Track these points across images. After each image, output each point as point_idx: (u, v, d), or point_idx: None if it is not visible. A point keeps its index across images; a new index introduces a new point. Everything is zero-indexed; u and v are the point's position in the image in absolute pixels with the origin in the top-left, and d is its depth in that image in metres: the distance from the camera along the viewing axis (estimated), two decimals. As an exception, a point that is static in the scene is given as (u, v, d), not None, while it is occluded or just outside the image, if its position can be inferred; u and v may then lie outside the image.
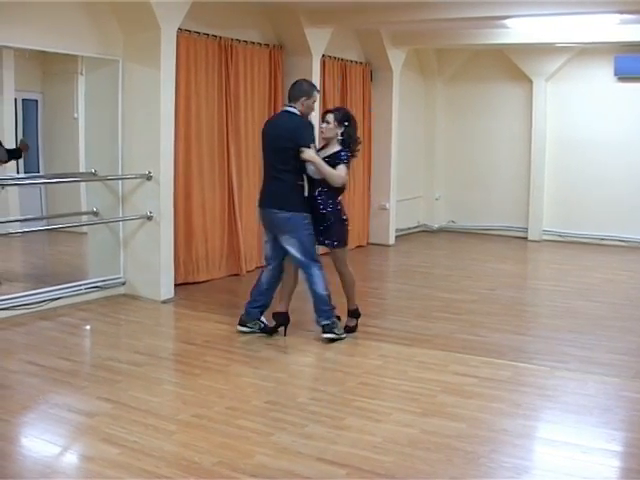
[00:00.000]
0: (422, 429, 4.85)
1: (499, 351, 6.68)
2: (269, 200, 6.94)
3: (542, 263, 12.36)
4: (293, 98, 6.90)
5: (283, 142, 6.77)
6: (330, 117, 7.01)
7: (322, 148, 7.07)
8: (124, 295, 8.49)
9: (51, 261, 11.15)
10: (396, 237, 12.97)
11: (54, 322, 7.43)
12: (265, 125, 7.31)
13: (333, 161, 6.82)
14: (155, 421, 4.96)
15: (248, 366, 6.19)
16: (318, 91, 7.22)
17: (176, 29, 8.27)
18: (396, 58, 12.54)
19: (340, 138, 6.94)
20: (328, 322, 6.84)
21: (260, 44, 10.10)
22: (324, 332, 6.84)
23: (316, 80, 10.54)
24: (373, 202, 12.74)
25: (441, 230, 14.36)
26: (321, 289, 6.88)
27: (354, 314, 7.23)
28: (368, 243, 12.69)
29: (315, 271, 6.87)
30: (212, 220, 9.41)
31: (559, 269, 11.31)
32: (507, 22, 10.21)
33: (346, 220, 7.11)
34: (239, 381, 5.81)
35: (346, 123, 6.99)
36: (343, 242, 7.07)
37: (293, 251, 6.82)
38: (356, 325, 7.20)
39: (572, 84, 13.10)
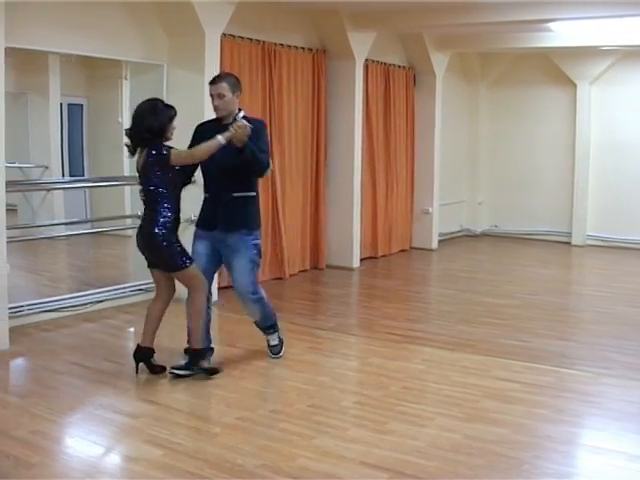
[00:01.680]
0: (465, 434, 4.83)
1: (542, 356, 6.64)
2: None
3: (586, 268, 12.25)
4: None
5: None
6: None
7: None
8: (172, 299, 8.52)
9: (95, 264, 11.25)
10: (439, 241, 12.94)
11: (99, 324, 7.51)
12: None
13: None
14: (198, 423, 5.00)
15: (291, 369, 6.20)
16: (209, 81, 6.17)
17: (220, 34, 8.33)
18: (439, 62, 12.51)
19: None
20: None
21: (303, 48, 10.13)
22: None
23: (359, 84, 10.58)
24: (416, 206, 12.72)
25: (484, 235, 14.29)
26: None
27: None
28: (411, 247, 12.67)
29: None
30: (255, 224, 9.44)
31: (603, 274, 11.22)
32: (551, 25, 10.15)
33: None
34: (282, 384, 5.83)
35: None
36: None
37: None
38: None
39: (617, 87, 12.98)
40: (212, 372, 5.91)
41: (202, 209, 6.18)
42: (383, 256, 11.75)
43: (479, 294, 9.33)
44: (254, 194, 6.10)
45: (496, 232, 14.27)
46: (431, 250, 12.64)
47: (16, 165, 11.52)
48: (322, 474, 4.28)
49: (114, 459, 4.62)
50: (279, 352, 6.47)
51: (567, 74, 13.18)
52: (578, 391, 5.80)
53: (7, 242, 6.60)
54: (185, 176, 6.00)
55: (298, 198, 10.17)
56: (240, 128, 5.62)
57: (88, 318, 7.64)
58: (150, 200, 5.83)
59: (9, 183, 6.84)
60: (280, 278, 9.80)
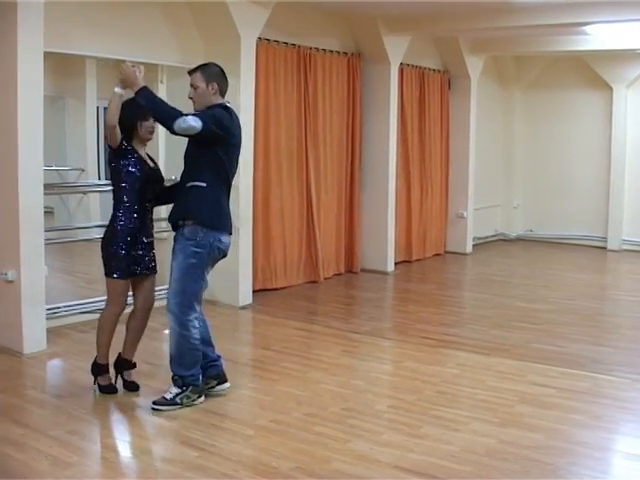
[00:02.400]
0: (500, 439, 4.82)
1: (578, 362, 6.60)
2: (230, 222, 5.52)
3: (622, 273, 12.17)
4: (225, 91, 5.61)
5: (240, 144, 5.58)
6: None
7: None
8: (203, 300, 8.55)
9: (131, 266, 11.30)
10: (473, 245, 12.90)
11: (134, 326, 7.55)
12: (235, 122, 5.48)
13: None
14: (233, 425, 5.03)
15: (326, 373, 6.21)
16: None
17: (256, 38, 8.37)
18: (474, 65, 12.48)
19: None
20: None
21: (338, 52, 10.14)
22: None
23: (394, 88, 10.57)
24: (451, 210, 12.69)
25: (519, 239, 14.22)
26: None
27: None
28: (445, 251, 12.64)
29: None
30: (290, 227, 9.48)
31: (639, 279, 11.13)
32: (587, 28, 10.09)
33: None
34: (317, 387, 5.84)
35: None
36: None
37: None
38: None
39: (654, 91, 12.90)
40: (103, 390, 5.59)
41: None
42: (417, 260, 11.74)
43: (513, 298, 9.30)
44: (203, 184, 5.28)
45: (531, 236, 14.20)
46: (465, 254, 12.60)
47: (53, 168, 11.60)
48: (356, 477, 4.29)
49: (149, 460, 4.65)
50: (162, 405, 5.26)
51: (603, 77, 13.10)
52: (614, 397, 5.76)
53: (44, 244, 6.67)
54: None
55: (333, 202, 10.19)
56: (127, 67, 5.30)
57: (124, 320, 7.66)
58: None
59: (46, 186, 6.92)
60: (315, 281, 9.81)
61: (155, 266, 5.83)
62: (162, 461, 4.56)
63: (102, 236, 5.67)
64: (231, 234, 5.45)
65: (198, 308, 5.43)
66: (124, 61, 5.49)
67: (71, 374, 6.27)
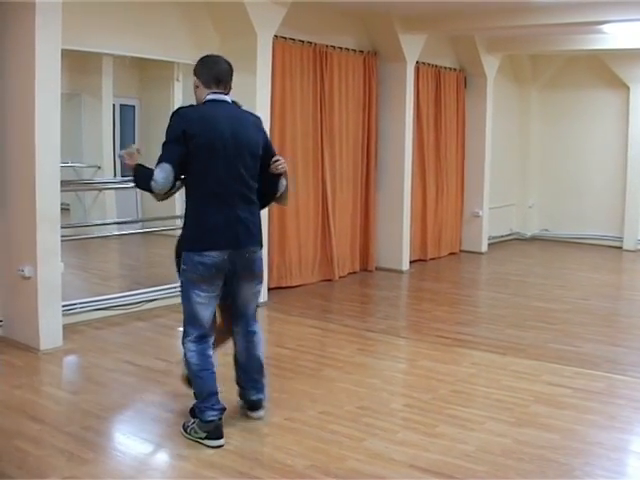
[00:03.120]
0: (515, 439, 4.81)
1: (593, 362, 6.58)
2: (247, 234, 4.78)
3: (637, 273, 12.13)
4: (228, 83, 4.93)
5: (255, 148, 4.79)
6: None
7: None
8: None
9: (147, 263, 11.35)
10: (489, 245, 12.88)
11: (150, 323, 7.60)
12: (202, 120, 4.76)
13: None
14: (248, 423, 5.02)
15: (341, 371, 6.21)
16: None
17: (272, 36, 8.38)
18: (490, 64, 12.46)
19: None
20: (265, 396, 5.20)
21: (354, 50, 10.14)
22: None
23: (410, 87, 10.56)
24: (466, 209, 12.67)
25: (534, 238, 14.20)
26: (262, 354, 5.32)
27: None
28: (461, 250, 12.64)
29: (258, 330, 5.34)
30: (306, 226, 9.49)
31: (655, 280, 11.11)
32: (604, 27, 10.06)
33: None
34: (332, 386, 5.83)
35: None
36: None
37: (253, 305, 5.17)
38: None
39: (671, 90, 12.85)
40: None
41: None
42: (432, 259, 11.73)
43: (529, 298, 9.27)
44: (188, 203, 4.83)
45: (546, 236, 14.16)
46: (481, 253, 12.59)
47: (69, 165, 11.62)
48: (372, 476, 4.28)
49: (165, 457, 4.67)
50: (183, 429, 4.84)
51: (620, 76, 13.05)
52: (630, 397, 5.73)
53: (61, 241, 6.70)
54: None
55: (348, 200, 10.19)
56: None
57: (139, 317, 7.72)
58: None
59: (63, 183, 6.93)
60: (329, 280, 9.82)
61: None
62: (178, 458, 4.56)
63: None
64: (223, 248, 4.69)
65: (195, 332, 4.78)
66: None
67: (87, 370, 6.29)
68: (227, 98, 4.84)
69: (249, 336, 5.17)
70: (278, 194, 4.97)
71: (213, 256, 4.65)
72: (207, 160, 4.67)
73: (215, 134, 4.67)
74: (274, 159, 4.84)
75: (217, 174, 4.67)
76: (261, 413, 5.10)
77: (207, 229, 4.68)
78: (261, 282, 5.13)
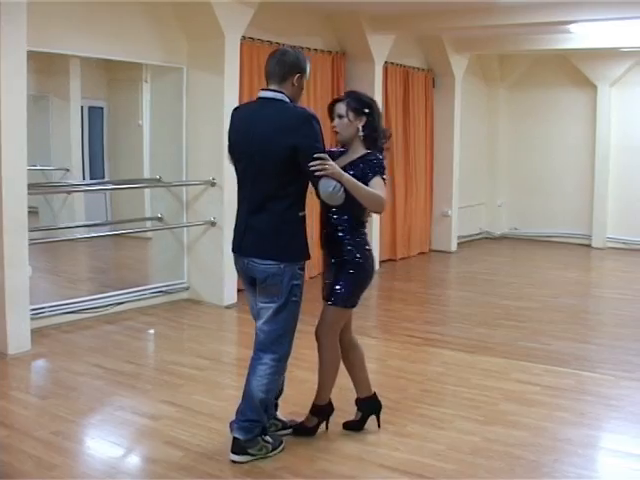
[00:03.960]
0: (484, 437, 4.83)
1: (562, 359, 6.63)
2: (251, 242, 4.58)
3: (606, 271, 12.21)
4: (280, 77, 4.49)
5: (277, 148, 4.36)
6: (341, 108, 4.70)
7: (341, 154, 4.79)
8: (187, 300, 8.59)
9: (116, 266, 11.30)
10: (458, 244, 12.93)
11: (119, 326, 7.55)
12: (236, 120, 4.68)
13: (361, 173, 4.55)
14: (218, 425, 5.00)
15: (311, 371, 6.14)
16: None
17: (240, 37, 8.37)
18: (458, 64, 12.51)
19: (362, 134, 4.67)
20: (249, 438, 4.49)
21: (323, 51, 10.15)
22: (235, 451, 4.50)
23: (378, 87, 10.57)
24: (435, 209, 12.71)
25: (503, 237, 14.26)
26: (260, 391, 4.55)
27: (314, 410, 4.95)
28: (430, 250, 12.67)
29: (265, 363, 4.61)
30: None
31: (623, 277, 11.19)
32: (570, 27, 10.14)
33: (364, 267, 4.76)
34: (302, 386, 5.81)
35: (366, 110, 4.67)
36: (345, 299, 4.80)
37: (263, 324, 4.67)
38: (315, 427, 4.90)
39: (637, 89, 12.95)
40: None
41: (304, 232, 4.71)
42: (402, 259, 11.76)
43: (498, 297, 9.31)
44: None
45: (516, 234, 14.23)
46: (450, 253, 12.63)
47: (37, 168, 11.57)
48: (342, 477, 4.30)
49: (134, 460, 4.66)
50: (240, 452, 4.47)
51: (587, 76, 13.15)
52: (598, 394, 5.79)
53: (28, 244, 6.65)
54: None
55: (316, 202, 10.13)
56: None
57: (108, 320, 7.68)
58: None
59: (30, 186, 6.90)
60: (299, 280, 9.79)
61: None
62: (147, 461, 4.55)
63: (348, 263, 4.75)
64: (234, 251, 4.76)
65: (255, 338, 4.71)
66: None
67: (55, 375, 6.24)
68: (270, 94, 4.47)
69: (251, 361, 4.66)
70: (322, 196, 4.46)
71: (238, 260, 4.72)
72: (234, 162, 4.69)
73: (237, 136, 4.58)
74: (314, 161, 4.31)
75: (238, 177, 4.69)
76: (234, 457, 4.47)
77: (235, 232, 4.76)
78: (271, 301, 4.56)
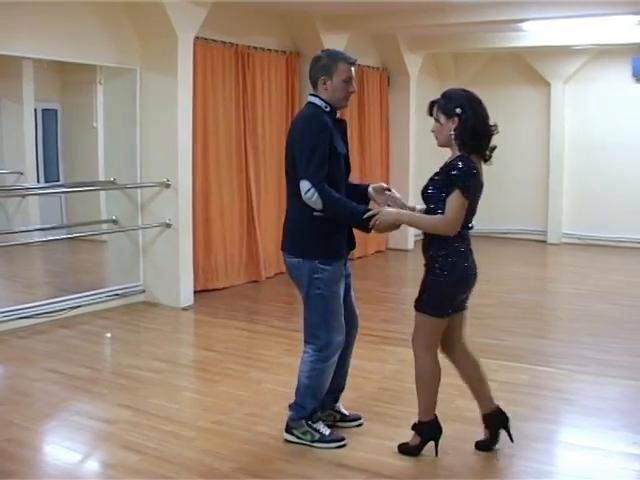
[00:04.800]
0: (442, 434, 4.84)
1: (518, 355, 6.67)
2: (283, 239, 4.84)
3: (561, 266, 12.32)
4: (312, 83, 4.68)
5: (289, 149, 4.65)
6: (434, 110, 4.52)
7: None
8: (144, 302, 8.54)
9: (71, 269, 11.21)
10: (415, 242, 12.94)
11: (75, 330, 7.48)
12: None
13: (442, 185, 4.45)
14: (175, 428, 4.99)
15: (268, 372, 6.20)
16: (352, 61, 4.66)
17: (193, 37, 8.32)
18: (413, 63, 12.57)
19: (453, 136, 4.45)
20: (293, 417, 4.82)
21: (277, 51, 10.14)
22: (285, 429, 4.85)
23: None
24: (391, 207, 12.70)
25: (460, 235, 14.30)
26: (303, 376, 4.80)
27: (417, 427, 4.62)
28: (387, 248, 12.71)
29: (307, 352, 4.82)
30: (231, 227, 9.44)
31: (578, 272, 11.29)
32: (524, 25, 10.22)
33: (448, 276, 4.51)
34: (259, 387, 5.83)
35: (458, 110, 4.40)
36: (429, 306, 4.54)
37: (305, 318, 4.83)
38: (419, 446, 4.58)
39: (590, 86, 13.11)
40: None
41: (331, 230, 4.68)
42: (359, 257, 11.75)
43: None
44: None
45: (472, 231, 14.22)
46: (407, 251, 12.67)
47: (-11, 171, 11.47)
48: (298, 476, 4.30)
49: (91, 465, 4.62)
50: (287, 430, 4.83)
51: (541, 73, 13.28)
52: (554, 388, 5.85)
53: (-19, 249, 6.58)
54: None
55: (274, 200, 10.16)
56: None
57: (64, 324, 7.61)
58: None
59: (-18, 190, 6.82)
60: (256, 281, 9.80)
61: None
62: (103, 466, 4.52)
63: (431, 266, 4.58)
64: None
65: None
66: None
67: (10, 381, 6.16)
68: (309, 99, 4.69)
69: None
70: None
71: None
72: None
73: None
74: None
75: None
76: (284, 435, 4.82)
77: None
78: (304, 293, 4.71)
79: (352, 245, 4.95)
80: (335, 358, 4.78)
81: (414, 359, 4.63)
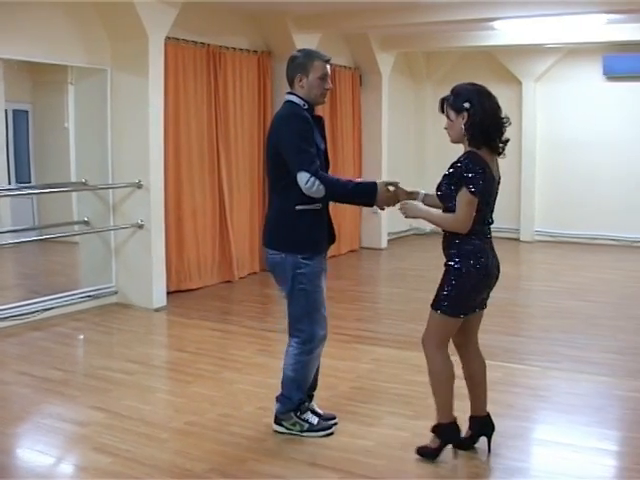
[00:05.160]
0: (414, 432, 4.84)
1: (491, 352, 6.60)
2: (264, 235, 4.89)
3: (534, 264, 12.38)
4: (289, 81, 4.86)
5: (269, 147, 4.77)
6: (446, 108, 4.57)
7: None
8: (116, 304, 8.49)
9: (43, 271, 11.13)
10: (388, 240, 12.99)
11: (47, 332, 7.43)
12: None
13: (453, 182, 4.39)
14: (148, 429, 4.96)
15: (241, 373, 6.19)
16: (327, 59, 4.76)
17: (164, 37, 8.28)
18: (385, 62, 12.58)
19: (464, 133, 4.47)
20: (281, 410, 4.94)
21: (248, 51, 10.12)
22: (274, 420, 4.98)
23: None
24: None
25: (433, 233, 14.23)
26: (288, 369, 4.89)
27: (436, 429, 4.53)
28: (360, 247, 12.71)
29: (291, 345, 4.89)
30: (203, 227, 9.42)
31: (551, 269, 11.35)
32: (495, 24, 10.26)
33: (466, 275, 4.49)
34: (231, 388, 5.81)
35: (466, 105, 4.44)
36: (446, 305, 4.52)
37: (289, 312, 4.86)
38: (438, 449, 4.49)
39: (561, 85, 13.18)
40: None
41: (313, 225, 4.73)
42: (332, 257, 11.71)
43: (428, 292, 9.07)
44: None
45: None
46: (380, 249, 12.69)
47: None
48: (272, 476, 4.29)
49: (63, 468, 4.59)
50: (276, 422, 4.97)
51: (512, 72, 13.33)
52: (526, 385, 5.88)
53: (-50, 251, 6.52)
54: None
55: (246, 200, 10.15)
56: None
57: (36, 326, 7.55)
58: None
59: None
60: (229, 281, 9.77)
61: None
62: (76, 469, 4.50)
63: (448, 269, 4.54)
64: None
65: None
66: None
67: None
68: (285, 97, 4.86)
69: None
70: (304, 191, 4.52)
71: None
72: None
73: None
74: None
75: None
76: (273, 426, 4.95)
77: None
78: (285, 290, 4.78)
79: (332, 239, 4.96)
80: (319, 350, 4.90)
81: (426, 361, 4.55)
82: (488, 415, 4.65)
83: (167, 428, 5.01)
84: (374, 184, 4.68)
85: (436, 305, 4.52)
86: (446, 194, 4.41)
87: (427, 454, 4.48)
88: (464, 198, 4.30)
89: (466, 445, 4.63)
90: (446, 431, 4.49)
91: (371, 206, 4.75)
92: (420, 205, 4.65)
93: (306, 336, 4.79)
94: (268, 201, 4.94)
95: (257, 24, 10.31)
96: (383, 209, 4.90)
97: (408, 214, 4.53)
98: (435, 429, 4.50)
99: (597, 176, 12.92)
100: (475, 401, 4.69)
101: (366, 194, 4.67)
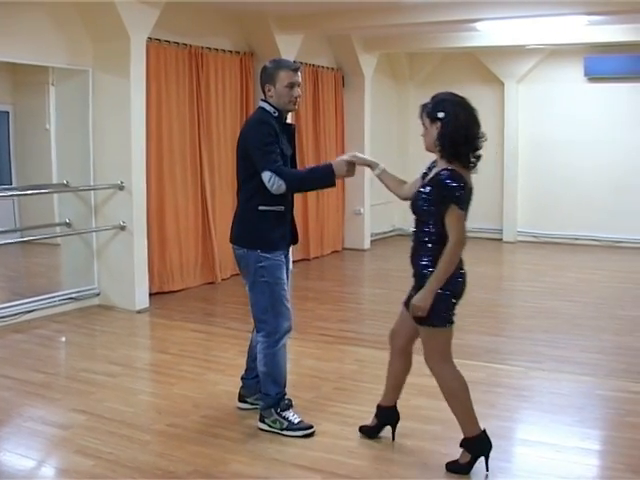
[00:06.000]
0: (398, 433, 4.83)
1: (473, 353, 6.69)
2: (231, 232, 5.12)
3: (516, 264, 12.43)
4: (262, 90, 5.02)
5: (238, 149, 4.98)
6: (423, 115, 4.38)
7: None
8: (99, 306, 8.46)
9: (25, 273, 11.09)
10: (371, 241, 13.01)
11: (28, 334, 7.39)
12: None
13: (434, 198, 4.36)
14: (130, 431, 4.94)
15: (223, 374, 6.17)
16: (294, 68, 5.02)
17: (145, 38, 8.26)
18: (367, 63, 12.59)
19: (437, 145, 4.34)
20: (263, 407, 5.04)
21: (231, 51, 10.10)
22: (259, 418, 5.05)
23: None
24: (347, 207, 12.76)
25: (416, 234, 14.35)
26: (260, 365, 5.00)
27: (465, 444, 4.40)
28: (343, 248, 12.72)
29: (259, 340, 5.03)
30: (186, 228, 9.40)
31: (533, 270, 11.37)
32: (477, 25, 10.28)
33: (454, 285, 4.48)
34: (214, 389, 5.80)
35: (440, 115, 4.26)
36: (434, 318, 4.37)
37: (252, 309, 5.05)
38: (468, 464, 4.34)
39: (543, 86, 13.24)
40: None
41: (273, 225, 4.93)
42: (315, 258, 11.77)
43: (412, 293, 9.34)
44: None
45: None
46: (363, 250, 12.70)
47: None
48: (255, 477, 4.29)
49: (45, 472, 4.57)
50: (259, 419, 5.08)
51: (494, 73, 13.38)
52: (509, 385, 5.90)
53: None
54: None
55: (229, 201, 10.09)
56: None
57: (17, 329, 7.51)
58: None
59: None
60: (212, 282, 9.75)
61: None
62: (58, 472, 4.48)
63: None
64: None
65: None
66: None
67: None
68: (260, 103, 5.03)
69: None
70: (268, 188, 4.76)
71: None
72: None
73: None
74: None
75: None
76: (258, 424, 5.04)
77: None
78: (248, 282, 5.01)
79: (294, 240, 5.24)
80: (284, 341, 5.00)
81: (435, 378, 4.46)
82: (395, 406, 4.81)
83: (150, 430, 4.99)
84: (329, 164, 4.93)
85: (425, 321, 4.37)
86: (426, 210, 4.48)
87: (458, 470, 4.34)
88: (456, 216, 4.28)
89: (372, 434, 4.82)
90: (476, 444, 4.36)
91: (333, 186, 5.07)
92: (421, 293, 4.37)
93: (270, 328, 4.92)
94: (237, 200, 5.11)
95: (239, 25, 10.29)
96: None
97: (424, 309, 4.31)
98: (464, 444, 4.39)
99: (579, 177, 12.97)
100: (389, 394, 4.83)
101: (323, 176, 4.92)
